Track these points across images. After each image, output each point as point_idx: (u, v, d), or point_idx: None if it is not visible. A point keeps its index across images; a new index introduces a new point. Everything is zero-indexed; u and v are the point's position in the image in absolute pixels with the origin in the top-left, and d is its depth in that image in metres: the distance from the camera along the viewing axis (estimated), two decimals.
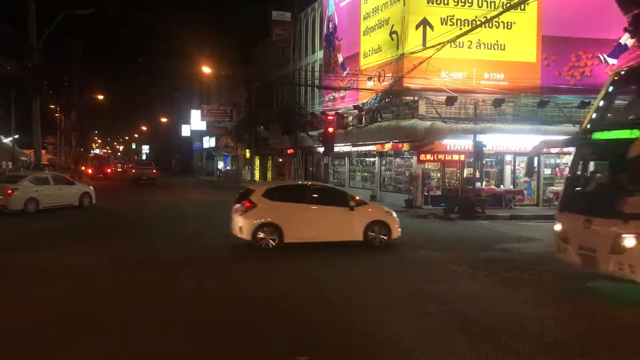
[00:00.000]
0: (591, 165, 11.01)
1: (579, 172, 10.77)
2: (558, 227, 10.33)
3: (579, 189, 10.69)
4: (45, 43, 28.84)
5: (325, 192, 15.50)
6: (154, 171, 50.02)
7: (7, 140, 35.29)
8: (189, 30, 58.33)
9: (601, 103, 10.63)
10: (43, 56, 28.43)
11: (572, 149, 11.45)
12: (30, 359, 6.38)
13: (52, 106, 52.51)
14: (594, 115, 10.55)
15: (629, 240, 8.58)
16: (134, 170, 53.86)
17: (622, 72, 10.88)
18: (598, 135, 10.03)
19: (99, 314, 8.14)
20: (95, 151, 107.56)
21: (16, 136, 30.64)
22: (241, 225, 13.57)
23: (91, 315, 8.06)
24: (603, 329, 7.82)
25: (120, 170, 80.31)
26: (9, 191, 20.72)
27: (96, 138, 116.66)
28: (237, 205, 13.93)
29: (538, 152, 14.10)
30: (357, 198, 14.71)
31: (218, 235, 15.70)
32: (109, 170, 59.12)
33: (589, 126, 10.51)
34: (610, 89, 10.65)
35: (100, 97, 62.15)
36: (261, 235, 13.40)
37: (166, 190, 39.57)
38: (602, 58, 26.46)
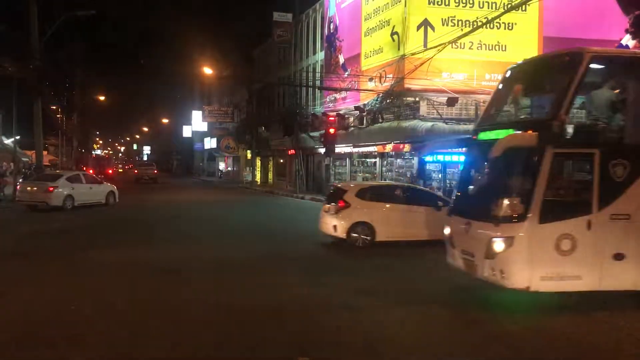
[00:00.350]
0: (480, 167, 10.30)
1: (469, 174, 10.45)
2: (447, 230, 9.97)
3: (464, 191, 10.33)
4: (47, 44, 28.87)
5: (414, 192, 15.83)
6: (155, 171, 51.21)
7: (8, 142, 35.29)
8: (190, 31, 58.41)
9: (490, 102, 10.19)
10: (44, 57, 28.45)
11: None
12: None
13: (54, 107, 52.57)
14: (484, 115, 10.14)
15: (498, 244, 8.29)
16: (136, 170, 54.64)
17: (510, 70, 10.42)
18: (482, 136, 9.73)
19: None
20: (96, 152, 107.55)
21: (17, 137, 30.64)
22: (335, 224, 14.15)
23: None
24: (608, 330, 7.80)
25: (121, 170, 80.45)
26: (50, 189, 22.71)
27: (97, 139, 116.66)
28: (330, 205, 14.57)
29: (429, 153, 14.12)
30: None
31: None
32: (110, 171, 59.31)
33: (477, 126, 10.16)
34: (500, 86, 10.30)
35: (102, 97, 62.23)
36: (355, 234, 13.94)
37: (173, 190, 40.41)
38: None
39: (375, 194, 15.03)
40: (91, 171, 53.97)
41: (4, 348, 6.65)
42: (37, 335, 7.14)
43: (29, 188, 23.24)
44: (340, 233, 14.09)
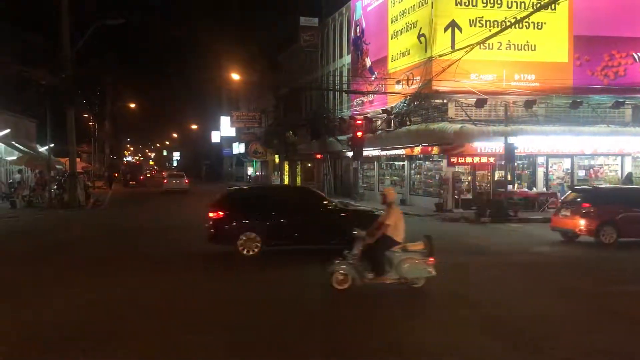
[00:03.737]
0: None
1: None
2: None
3: None
4: (78, 53, 29.39)
5: None
6: (187, 181, 46.28)
7: (43, 149, 36.18)
8: (217, 38, 58.92)
9: None
10: (76, 66, 28.97)
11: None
12: None
13: (86, 115, 53.62)
14: None
15: None
16: (165, 180, 49.18)
17: None
18: None
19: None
20: (127, 158, 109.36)
21: (52, 145, 31.26)
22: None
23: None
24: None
25: (149, 176, 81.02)
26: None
27: (128, 145, 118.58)
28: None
29: None
30: None
31: None
32: (141, 177, 60.10)
33: None
34: None
35: (132, 105, 63.22)
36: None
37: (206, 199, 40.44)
38: (636, 57, 25.87)
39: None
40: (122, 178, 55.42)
41: None
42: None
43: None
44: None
